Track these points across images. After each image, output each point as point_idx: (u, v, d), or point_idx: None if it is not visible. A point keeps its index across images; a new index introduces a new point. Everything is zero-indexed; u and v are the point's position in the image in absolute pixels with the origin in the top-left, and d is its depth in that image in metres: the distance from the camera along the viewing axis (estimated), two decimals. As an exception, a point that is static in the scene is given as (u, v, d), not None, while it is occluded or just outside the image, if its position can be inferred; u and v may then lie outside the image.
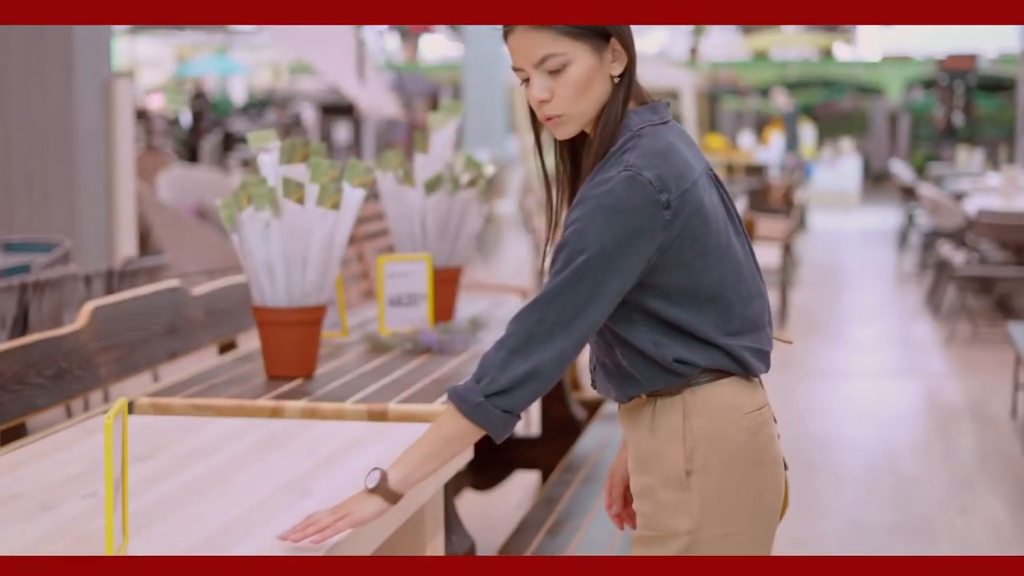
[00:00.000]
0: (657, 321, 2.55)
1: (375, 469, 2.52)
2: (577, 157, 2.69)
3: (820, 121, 29.89)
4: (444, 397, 2.52)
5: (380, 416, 3.68)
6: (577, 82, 2.52)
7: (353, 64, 15.15)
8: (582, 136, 2.65)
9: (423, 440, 2.55)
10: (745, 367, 2.60)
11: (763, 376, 2.71)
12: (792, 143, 22.11)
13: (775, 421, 2.71)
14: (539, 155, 2.71)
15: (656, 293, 2.53)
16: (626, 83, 2.57)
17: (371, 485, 2.51)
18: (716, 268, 2.55)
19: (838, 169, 24.72)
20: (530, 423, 5.60)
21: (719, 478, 2.57)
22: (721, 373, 2.59)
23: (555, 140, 2.67)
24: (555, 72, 2.52)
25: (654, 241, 2.46)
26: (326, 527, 2.47)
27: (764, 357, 2.66)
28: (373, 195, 5.79)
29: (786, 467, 2.82)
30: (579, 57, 2.51)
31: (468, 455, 3.45)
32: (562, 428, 5.67)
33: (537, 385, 2.48)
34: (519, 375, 2.46)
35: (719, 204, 2.62)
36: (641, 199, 2.44)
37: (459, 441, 2.54)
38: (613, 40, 2.53)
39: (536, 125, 2.68)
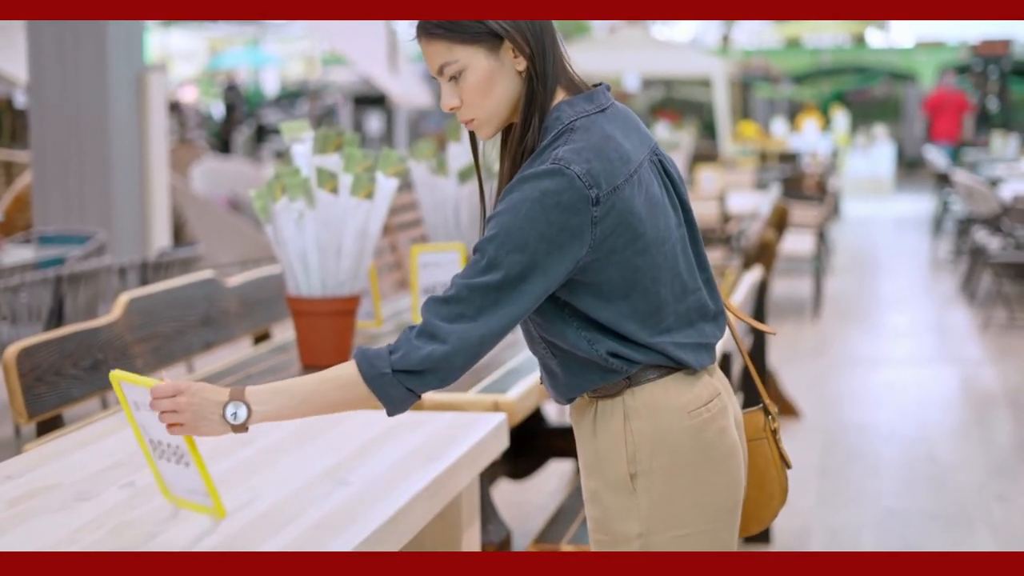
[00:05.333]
0: (589, 320, 2.49)
1: (241, 403, 2.44)
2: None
3: (853, 108, 29.75)
4: (355, 362, 2.43)
5: (415, 406, 3.68)
6: (476, 87, 2.47)
7: (385, 55, 15.17)
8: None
9: (307, 387, 2.47)
10: (681, 363, 2.53)
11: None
12: None
13: (734, 409, 2.66)
14: (475, 153, 2.66)
15: (588, 292, 2.47)
16: (533, 77, 2.48)
17: (234, 422, 2.44)
18: (652, 266, 2.48)
19: (871, 156, 24.62)
20: (564, 411, 5.59)
21: (665, 480, 2.52)
22: (662, 370, 2.53)
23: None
24: (455, 78, 2.48)
25: (582, 239, 2.40)
26: (167, 420, 2.45)
27: (704, 349, 2.58)
28: (406, 185, 5.80)
29: (788, 465, 2.79)
30: (473, 62, 2.45)
31: (504, 445, 3.45)
32: (597, 417, 5.65)
33: (446, 375, 2.42)
34: (432, 361, 2.39)
35: (662, 194, 2.54)
36: (568, 194, 2.37)
37: (343, 404, 2.47)
38: (506, 41, 2.46)
39: None
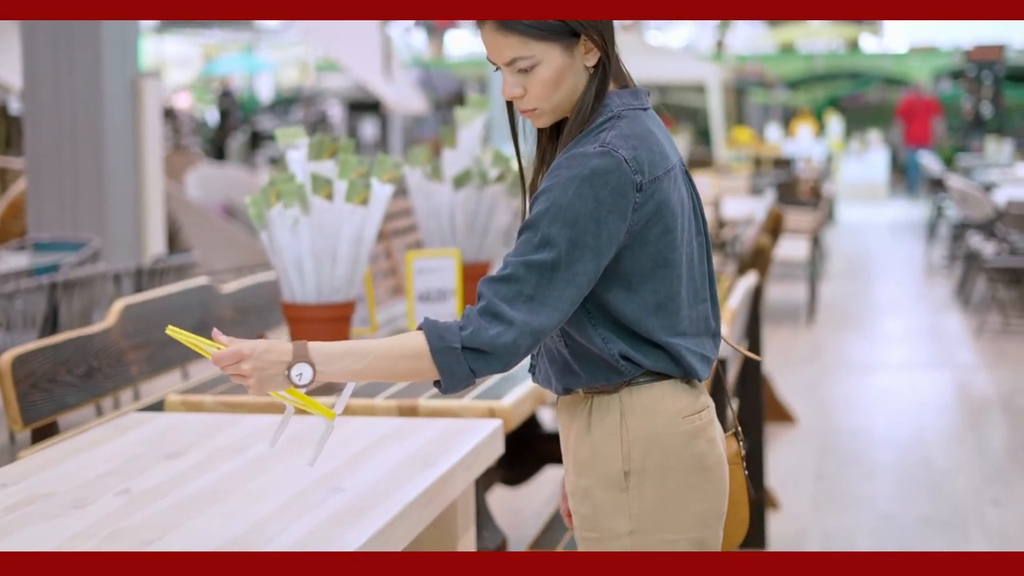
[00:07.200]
0: (609, 318, 2.52)
1: (306, 364, 2.42)
2: (559, 137, 2.65)
3: (847, 113, 29.75)
4: (421, 332, 2.39)
5: (410, 412, 3.68)
6: (547, 80, 2.50)
7: (379, 61, 15.17)
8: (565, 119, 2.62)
9: (374, 352, 2.43)
10: (688, 370, 2.56)
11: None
12: None
13: (722, 427, 2.69)
14: (515, 140, 2.69)
15: (618, 283, 2.49)
16: (601, 72, 2.54)
17: (299, 382, 2.43)
18: (678, 263, 2.53)
19: (866, 161, 24.65)
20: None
21: (658, 481, 2.54)
22: (661, 376, 2.56)
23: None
24: (525, 70, 2.50)
25: (624, 221, 2.44)
26: (234, 375, 2.44)
27: (706, 363, 2.62)
28: (401, 191, 5.79)
29: (752, 493, 2.81)
30: (548, 57, 2.48)
31: (499, 451, 3.45)
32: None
33: (509, 361, 2.41)
34: (497, 346, 2.39)
35: (687, 200, 2.59)
36: (615, 176, 2.42)
37: (406, 374, 2.44)
38: (583, 37, 2.50)
39: (512, 112, 2.66)
